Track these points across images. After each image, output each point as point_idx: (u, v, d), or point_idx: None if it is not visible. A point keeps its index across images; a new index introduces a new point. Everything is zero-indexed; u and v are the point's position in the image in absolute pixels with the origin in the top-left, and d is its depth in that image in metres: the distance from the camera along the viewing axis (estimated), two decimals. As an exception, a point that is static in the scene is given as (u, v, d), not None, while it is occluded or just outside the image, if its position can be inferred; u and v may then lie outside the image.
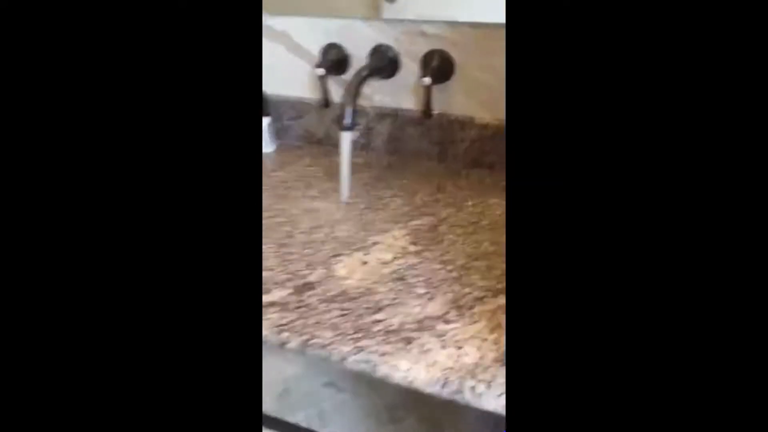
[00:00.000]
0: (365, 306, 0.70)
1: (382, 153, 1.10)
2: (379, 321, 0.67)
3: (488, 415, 0.62)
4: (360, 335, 0.65)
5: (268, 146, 1.12)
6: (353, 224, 0.88)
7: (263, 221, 0.89)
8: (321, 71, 0.99)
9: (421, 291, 0.73)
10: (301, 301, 0.70)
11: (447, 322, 0.66)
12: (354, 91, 0.90)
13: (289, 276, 0.75)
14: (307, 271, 0.76)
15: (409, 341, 0.63)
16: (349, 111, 0.88)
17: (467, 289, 0.72)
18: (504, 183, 1.05)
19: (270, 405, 0.79)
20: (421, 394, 0.63)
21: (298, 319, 0.67)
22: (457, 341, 0.63)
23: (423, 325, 0.66)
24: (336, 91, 1.07)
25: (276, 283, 0.73)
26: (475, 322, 0.66)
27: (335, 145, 1.02)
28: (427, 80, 0.93)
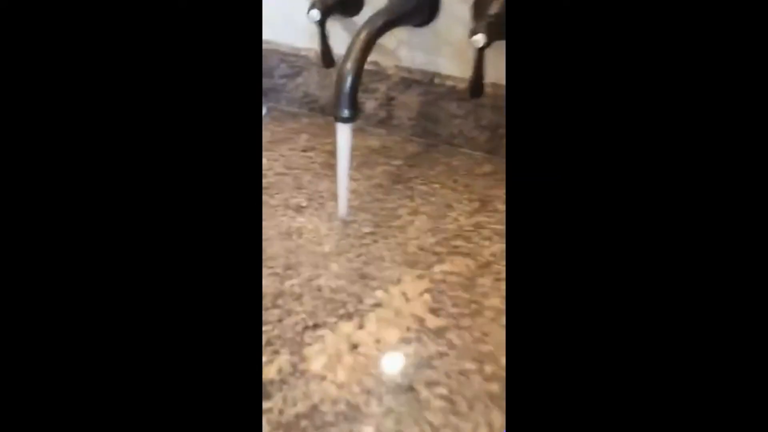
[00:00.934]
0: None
1: (407, 135, 0.77)
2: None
3: None
4: None
5: (253, 112, 0.81)
6: (347, 263, 0.59)
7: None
8: (316, 14, 0.65)
9: (441, 421, 0.44)
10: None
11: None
12: (363, 47, 0.57)
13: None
14: (264, 358, 0.49)
15: None
16: (348, 87, 0.55)
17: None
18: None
19: None
20: None
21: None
22: None
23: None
24: (344, 40, 0.73)
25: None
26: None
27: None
28: (481, 38, 0.59)
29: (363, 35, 0.58)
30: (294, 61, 0.79)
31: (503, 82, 0.70)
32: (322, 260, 0.59)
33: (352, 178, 0.70)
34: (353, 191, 0.68)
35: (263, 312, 0.53)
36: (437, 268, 0.59)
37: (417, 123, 0.77)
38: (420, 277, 0.58)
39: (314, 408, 0.45)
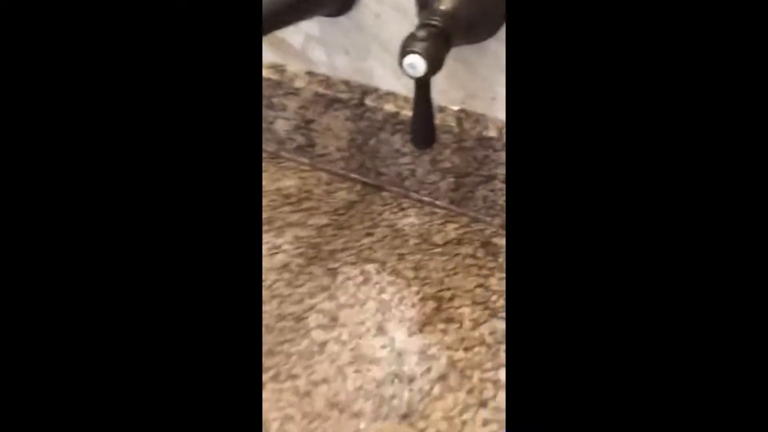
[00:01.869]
0: None
1: (338, 170, 0.52)
2: None
3: None
4: None
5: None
6: None
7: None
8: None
9: None
10: None
11: None
12: None
13: None
14: None
15: None
16: None
17: None
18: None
19: None
20: None
21: None
22: None
23: None
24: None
25: None
26: None
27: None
28: (419, 62, 0.33)
29: None
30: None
31: (472, 107, 0.44)
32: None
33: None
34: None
35: None
36: (354, 447, 0.37)
37: (351, 156, 0.52)
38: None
39: None
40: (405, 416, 0.37)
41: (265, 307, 0.44)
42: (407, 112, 0.45)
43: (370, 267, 0.46)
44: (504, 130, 0.44)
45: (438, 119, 0.44)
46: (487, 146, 0.44)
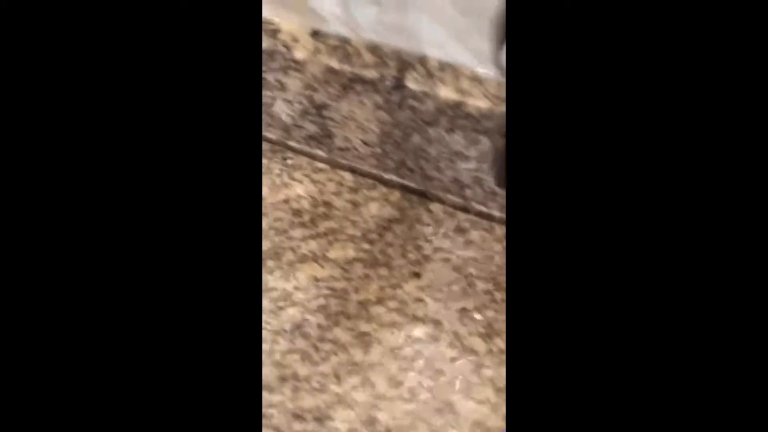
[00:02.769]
0: None
1: (367, 171, 0.37)
2: None
3: None
4: None
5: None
6: None
7: None
8: None
9: None
10: None
11: None
12: None
13: None
14: None
15: None
16: None
17: None
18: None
19: None
20: None
21: None
22: None
23: None
24: None
25: None
26: None
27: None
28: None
29: None
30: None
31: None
32: None
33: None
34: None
35: None
36: None
37: (384, 152, 0.36)
38: None
39: None
40: None
41: (272, 398, 0.31)
42: (476, 101, 0.28)
43: (420, 331, 0.32)
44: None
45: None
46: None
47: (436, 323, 0.32)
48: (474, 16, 0.29)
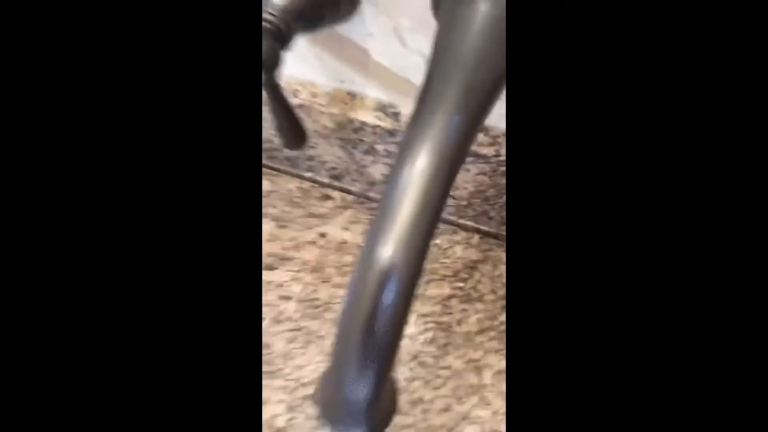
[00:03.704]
0: None
1: (470, 231, 0.43)
2: None
3: None
4: None
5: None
6: None
7: None
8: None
9: None
10: None
11: None
12: (423, 232, 0.21)
13: None
14: None
15: None
16: (373, 373, 0.20)
17: None
18: None
19: None
20: None
21: None
22: None
23: None
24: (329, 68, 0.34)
25: None
26: None
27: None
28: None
29: (418, 176, 0.22)
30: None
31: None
32: None
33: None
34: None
35: None
36: None
37: (469, 204, 0.43)
38: None
39: None
40: None
41: (407, 420, 0.37)
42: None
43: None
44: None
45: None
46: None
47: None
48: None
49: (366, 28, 0.33)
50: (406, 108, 0.39)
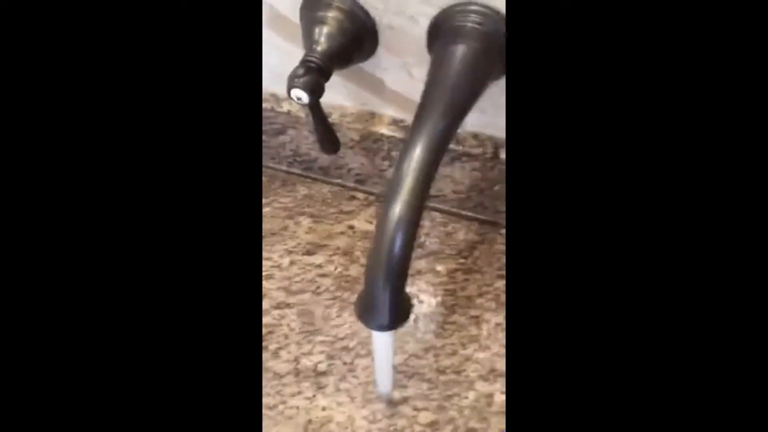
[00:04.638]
0: None
1: (462, 214, 0.54)
2: None
3: None
4: None
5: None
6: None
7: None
8: (303, 96, 0.38)
9: None
10: None
11: None
12: (419, 182, 0.31)
13: None
14: None
15: None
16: (393, 266, 0.31)
17: None
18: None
19: None
20: None
21: None
22: None
23: None
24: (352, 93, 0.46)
25: None
26: None
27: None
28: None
29: (415, 161, 0.33)
30: (273, 117, 0.53)
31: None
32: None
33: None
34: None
35: None
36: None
37: (468, 197, 0.53)
38: None
39: None
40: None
41: (422, 362, 0.47)
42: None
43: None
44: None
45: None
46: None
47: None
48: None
49: (382, 64, 0.44)
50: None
